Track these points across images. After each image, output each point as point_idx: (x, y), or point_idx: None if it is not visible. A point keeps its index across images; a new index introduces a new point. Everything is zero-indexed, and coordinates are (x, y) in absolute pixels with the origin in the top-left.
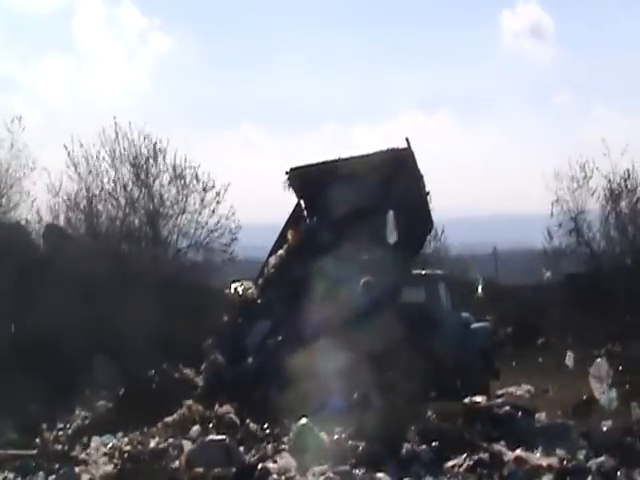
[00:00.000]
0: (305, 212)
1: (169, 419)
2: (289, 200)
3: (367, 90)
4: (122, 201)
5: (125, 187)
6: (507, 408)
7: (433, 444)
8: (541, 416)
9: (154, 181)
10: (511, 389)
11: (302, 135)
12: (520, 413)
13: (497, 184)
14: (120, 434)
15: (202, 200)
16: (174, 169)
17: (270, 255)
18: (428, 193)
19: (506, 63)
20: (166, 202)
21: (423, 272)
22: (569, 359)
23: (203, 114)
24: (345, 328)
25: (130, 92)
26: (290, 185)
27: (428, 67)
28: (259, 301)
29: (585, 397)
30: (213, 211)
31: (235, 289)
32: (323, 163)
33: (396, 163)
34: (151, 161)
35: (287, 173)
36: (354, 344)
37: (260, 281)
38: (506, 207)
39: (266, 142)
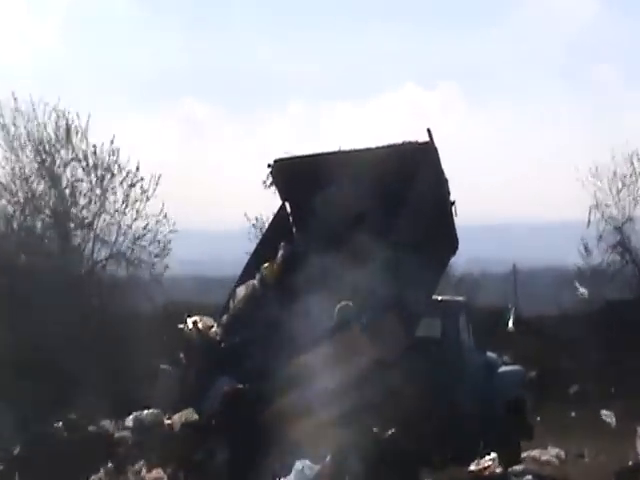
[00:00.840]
0: (291, 220)
1: None
2: (256, 200)
3: (347, 61)
4: (21, 197)
5: (26, 179)
6: (528, 477)
7: None
8: None
9: (64, 172)
10: (535, 453)
11: (264, 116)
12: None
13: (516, 182)
14: None
15: (126, 197)
16: (89, 157)
17: (239, 284)
18: (454, 203)
19: (525, 26)
20: (79, 199)
21: (439, 298)
22: (610, 415)
23: (133, 86)
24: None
25: (35, 55)
26: (274, 182)
27: (428, 30)
28: (223, 345)
29: (631, 463)
30: (137, 212)
31: (194, 324)
32: (319, 155)
33: (414, 161)
34: (60, 146)
35: (270, 166)
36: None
37: (224, 319)
38: (527, 212)
39: (215, 123)
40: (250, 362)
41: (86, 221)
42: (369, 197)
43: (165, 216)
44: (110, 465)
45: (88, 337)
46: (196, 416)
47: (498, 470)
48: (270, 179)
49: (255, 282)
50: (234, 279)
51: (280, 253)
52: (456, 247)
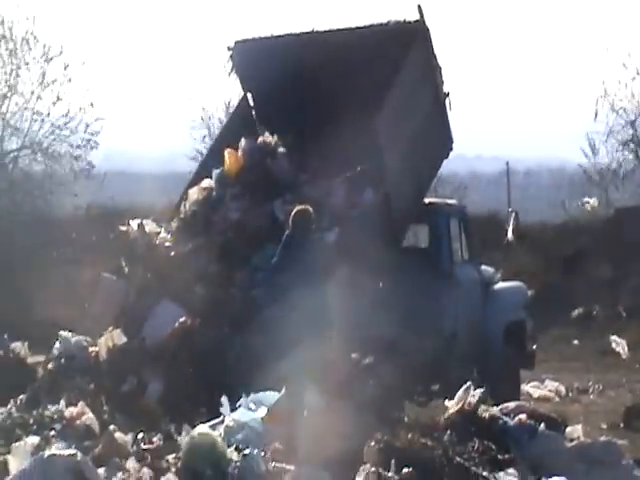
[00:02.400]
0: (254, 114)
1: None
2: (207, 89)
3: None
4: None
5: None
6: (522, 417)
7: (404, 471)
8: (575, 431)
9: None
10: (530, 387)
11: None
12: (542, 426)
13: (508, 65)
14: None
15: (43, 76)
16: None
17: (192, 184)
18: (447, 95)
19: None
20: None
21: (427, 201)
22: (620, 342)
23: None
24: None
25: None
26: (234, 68)
27: None
28: (173, 254)
29: None
30: (58, 97)
31: (139, 226)
32: (288, 36)
33: (402, 44)
34: None
35: (230, 49)
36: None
37: (174, 223)
38: (522, 101)
39: None
40: (202, 275)
41: None
42: (348, 87)
43: (91, 104)
44: (22, 397)
45: None
46: (124, 339)
47: (485, 407)
48: (230, 64)
49: (211, 181)
50: (173, 177)
51: (241, 148)
52: (451, 147)
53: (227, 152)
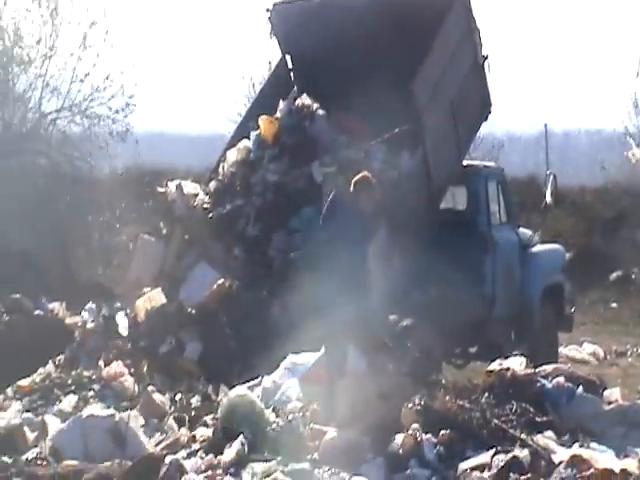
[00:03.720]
0: (293, 75)
1: (25, 382)
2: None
3: None
4: None
5: None
6: (560, 380)
7: (442, 433)
8: (613, 394)
9: (5, 4)
10: (568, 350)
11: None
12: (580, 389)
13: (546, 25)
14: None
15: (84, 39)
16: None
17: (230, 146)
18: (486, 58)
19: None
20: (24, 37)
21: (464, 163)
22: None
23: None
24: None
25: None
26: (272, 30)
27: None
28: (211, 216)
29: None
30: (98, 57)
31: (178, 188)
32: None
33: (441, 6)
34: None
35: (269, 10)
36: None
37: (212, 185)
38: (559, 65)
39: None
40: (242, 237)
41: (33, 64)
42: (386, 49)
43: (132, 65)
44: (60, 357)
45: (34, 204)
46: (164, 299)
47: (523, 371)
48: (270, 26)
49: (249, 143)
50: (212, 139)
51: (279, 109)
52: (489, 110)
53: (261, 119)
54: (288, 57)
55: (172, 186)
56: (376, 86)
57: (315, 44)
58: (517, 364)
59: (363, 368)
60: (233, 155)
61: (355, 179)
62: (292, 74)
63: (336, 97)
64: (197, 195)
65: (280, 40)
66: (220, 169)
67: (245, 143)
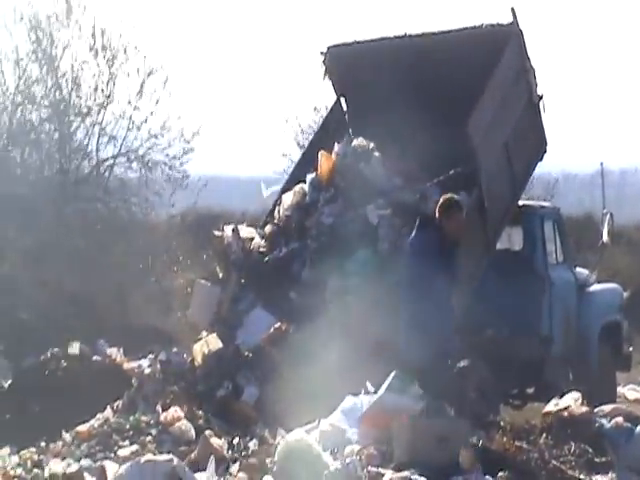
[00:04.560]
0: (347, 117)
1: (83, 428)
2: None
3: None
4: (11, 84)
5: (17, 62)
6: (618, 420)
7: (500, 475)
8: None
9: (63, 53)
10: (626, 390)
11: None
12: (639, 428)
13: (601, 64)
14: (6, 450)
15: (141, 87)
16: (95, 36)
17: (285, 189)
18: (542, 97)
19: None
20: (82, 87)
21: (521, 203)
22: None
23: None
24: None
25: None
26: (327, 73)
27: None
28: (267, 260)
29: None
30: (157, 102)
31: (234, 232)
32: (380, 40)
33: (496, 47)
34: (60, 20)
35: (323, 54)
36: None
37: (268, 229)
38: (614, 103)
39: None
40: (297, 281)
41: (90, 113)
42: (441, 90)
43: (192, 115)
44: (119, 402)
45: (91, 249)
46: (220, 344)
47: (581, 410)
48: (325, 68)
49: (305, 186)
50: (268, 182)
51: (335, 151)
52: (545, 149)
53: (321, 154)
54: (342, 99)
55: (228, 230)
56: (431, 127)
57: (369, 85)
58: (573, 400)
59: (421, 409)
60: (289, 198)
61: (440, 202)
62: (346, 116)
63: (391, 139)
64: (253, 239)
65: (334, 82)
66: (276, 212)
67: (301, 186)
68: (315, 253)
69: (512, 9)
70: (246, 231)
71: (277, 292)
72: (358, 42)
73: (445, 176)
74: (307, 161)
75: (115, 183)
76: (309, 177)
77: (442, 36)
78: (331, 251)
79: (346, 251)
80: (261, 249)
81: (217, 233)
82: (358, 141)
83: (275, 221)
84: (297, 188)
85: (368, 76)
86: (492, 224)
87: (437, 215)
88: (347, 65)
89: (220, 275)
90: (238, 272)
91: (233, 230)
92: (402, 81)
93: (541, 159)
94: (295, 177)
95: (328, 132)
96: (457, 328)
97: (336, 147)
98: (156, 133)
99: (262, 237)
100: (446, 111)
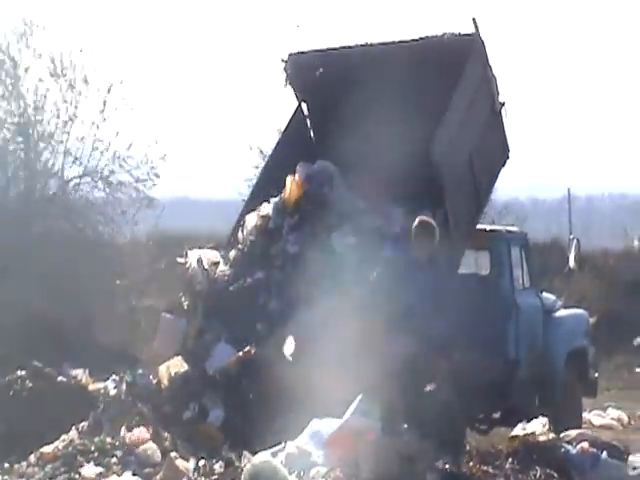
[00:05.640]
0: (309, 122)
1: (48, 449)
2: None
3: None
4: None
5: None
6: (584, 445)
7: None
8: (638, 459)
9: (26, 73)
10: (592, 415)
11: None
12: (604, 454)
13: (569, 91)
14: None
15: (103, 105)
16: (54, 58)
17: (248, 209)
18: (503, 105)
19: None
20: (45, 107)
21: (488, 228)
22: None
23: None
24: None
25: None
26: (288, 79)
27: None
28: (232, 289)
29: None
30: (122, 120)
31: (199, 262)
32: (342, 49)
33: (457, 57)
34: (19, 42)
35: (284, 61)
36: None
37: (233, 255)
38: (581, 130)
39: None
40: (263, 311)
41: (55, 133)
42: (403, 101)
43: (155, 142)
44: (84, 423)
45: (57, 269)
46: (185, 366)
47: (547, 437)
48: (285, 76)
49: (269, 210)
50: (234, 204)
51: (298, 172)
52: (508, 157)
53: (289, 179)
54: (304, 104)
55: (192, 256)
56: (394, 142)
57: (331, 93)
58: (539, 426)
59: (386, 431)
60: (252, 220)
61: (414, 225)
62: (309, 120)
63: (353, 153)
64: (218, 264)
65: (295, 88)
66: (239, 233)
67: (265, 209)
68: (281, 284)
69: (473, 19)
70: (211, 255)
71: (243, 324)
72: (319, 50)
73: (408, 195)
74: (270, 173)
75: (81, 203)
76: (273, 201)
77: (404, 45)
78: (297, 281)
79: (312, 281)
80: (226, 277)
81: (180, 259)
82: (322, 164)
83: (239, 245)
84: (261, 210)
85: (329, 84)
86: (458, 240)
87: (412, 237)
88: (308, 73)
89: (185, 305)
90: (204, 303)
91: (198, 261)
92: (363, 90)
93: (504, 165)
94: (258, 193)
95: (290, 140)
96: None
97: (299, 168)
98: (122, 155)
99: (226, 263)
100: (409, 124)
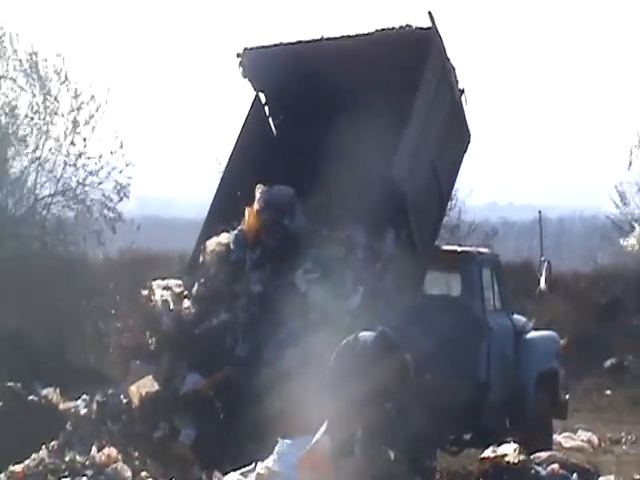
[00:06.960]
0: (268, 111)
1: (19, 468)
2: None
3: None
4: None
5: None
6: (554, 467)
7: None
8: None
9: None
10: (562, 437)
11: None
12: (574, 476)
13: (542, 114)
14: None
15: (75, 120)
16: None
17: (206, 234)
18: (463, 92)
19: None
20: (19, 117)
21: (459, 249)
22: None
23: None
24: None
25: None
26: (245, 72)
27: None
28: (197, 332)
29: None
30: (86, 139)
31: (164, 302)
32: (298, 43)
33: (414, 50)
34: None
35: (239, 55)
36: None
37: (196, 291)
38: (554, 153)
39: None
40: (229, 352)
41: (29, 147)
42: (361, 93)
43: (121, 145)
44: (54, 442)
45: (28, 289)
46: (156, 386)
47: (517, 458)
48: (241, 71)
49: (230, 240)
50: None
51: (257, 199)
52: (469, 141)
53: (247, 210)
54: (262, 94)
55: (156, 288)
56: (351, 148)
57: (287, 87)
58: (511, 450)
59: (357, 452)
60: (212, 246)
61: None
62: (267, 108)
63: (312, 146)
64: (182, 295)
65: (252, 80)
66: (201, 258)
67: (224, 238)
68: (247, 327)
69: (429, 13)
70: (175, 287)
71: (211, 366)
72: (274, 45)
73: (370, 216)
74: (232, 178)
75: (53, 221)
76: (233, 233)
77: (360, 38)
78: (262, 322)
79: (277, 322)
80: (191, 315)
81: (145, 292)
82: (280, 189)
83: (202, 279)
84: (222, 239)
85: (286, 78)
86: (423, 248)
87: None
88: (264, 67)
89: (152, 345)
90: (171, 346)
91: (164, 302)
92: (320, 84)
93: (466, 150)
94: (218, 206)
95: (250, 130)
96: None
97: (257, 193)
98: (92, 170)
99: (190, 298)
100: (369, 124)
